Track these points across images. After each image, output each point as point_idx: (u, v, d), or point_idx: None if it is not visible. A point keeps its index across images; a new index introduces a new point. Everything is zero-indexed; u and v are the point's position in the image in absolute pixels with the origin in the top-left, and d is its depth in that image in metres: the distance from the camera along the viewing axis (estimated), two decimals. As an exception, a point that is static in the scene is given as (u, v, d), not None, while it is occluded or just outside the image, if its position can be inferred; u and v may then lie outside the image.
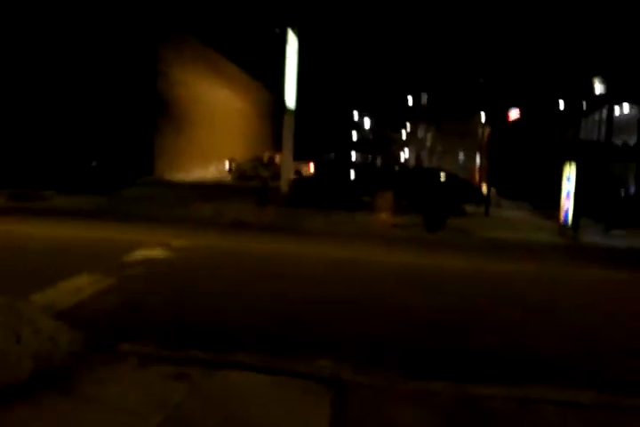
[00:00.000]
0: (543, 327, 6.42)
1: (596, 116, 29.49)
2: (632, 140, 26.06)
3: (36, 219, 13.39)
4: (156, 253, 9.40)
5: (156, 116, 26.03)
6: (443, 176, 23.14)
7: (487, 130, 31.67)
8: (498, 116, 30.13)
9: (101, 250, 9.57)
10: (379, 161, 60.18)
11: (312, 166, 30.98)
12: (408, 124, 73.14)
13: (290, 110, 22.65)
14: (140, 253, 9.17)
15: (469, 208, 20.52)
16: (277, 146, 27.37)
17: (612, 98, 23.84)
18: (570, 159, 17.24)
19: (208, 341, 5.11)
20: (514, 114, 31.64)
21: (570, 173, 16.74)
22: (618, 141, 26.03)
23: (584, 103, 27.48)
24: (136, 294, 6.74)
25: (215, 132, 35.99)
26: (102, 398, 3.75)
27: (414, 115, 68.55)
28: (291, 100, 22.69)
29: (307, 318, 6.14)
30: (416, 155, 68.32)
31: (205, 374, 4.24)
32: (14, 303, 4.75)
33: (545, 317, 6.93)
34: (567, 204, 16.65)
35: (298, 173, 28.71)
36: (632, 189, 22.94)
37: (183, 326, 5.61)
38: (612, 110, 21.84)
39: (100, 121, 23.89)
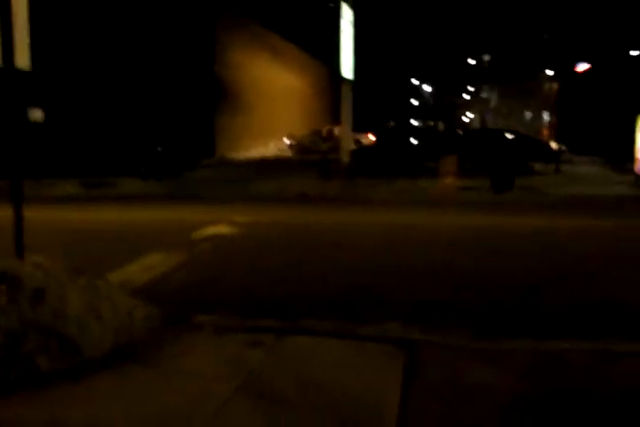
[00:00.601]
0: (622, 281, 6.18)
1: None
2: None
3: (108, 204, 13.88)
4: (224, 229, 9.59)
5: (216, 98, 26.38)
6: (509, 136, 22.46)
7: (555, 86, 30.41)
8: (565, 71, 28.86)
9: (171, 230, 9.84)
10: (441, 126, 59.01)
11: (372, 136, 30.70)
12: (470, 87, 71.19)
13: (347, 81, 22.42)
14: (208, 231, 9.37)
15: (538, 166, 19.87)
16: (336, 119, 27.19)
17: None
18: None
19: (279, 310, 5.19)
20: (582, 66, 30.23)
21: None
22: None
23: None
24: (206, 270, 6.91)
25: (273, 109, 36.16)
26: (181, 367, 3.88)
27: (476, 77, 66.59)
28: (347, 71, 22.43)
29: (375, 285, 6.14)
30: (480, 117, 66.57)
31: (278, 340, 4.31)
32: (92, 282, 4.94)
33: (622, 270, 6.66)
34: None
35: (358, 143, 28.52)
36: None
37: (254, 297, 5.72)
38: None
39: (162, 106, 24.42)
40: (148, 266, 6.97)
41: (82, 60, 23.98)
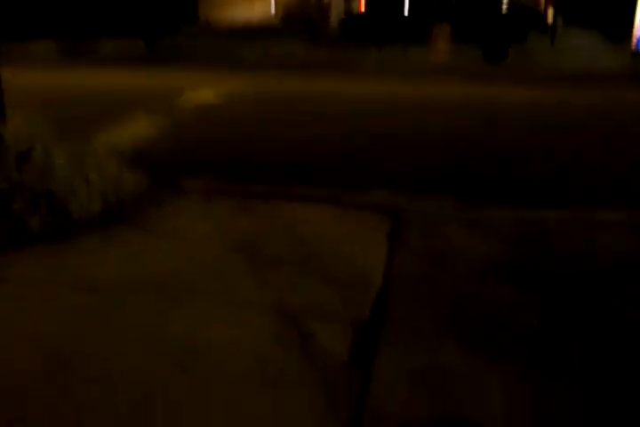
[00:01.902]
0: (606, 152, 6.24)
1: None
2: None
3: (87, 68, 13.34)
4: (209, 96, 9.35)
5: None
6: (504, 2, 21.39)
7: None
8: None
9: (155, 95, 9.58)
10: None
11: (362, 2, 29.10)
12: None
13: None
14: (193, 96, 9.15)
15: (534, 37, 19.16)
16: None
17: None
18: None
19: (267, 176, 5.21)
20: None
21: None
22: None
23: None
24: (192, 135, 6.84)
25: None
26: (169, 229, 3.95)
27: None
28: None
29: (362, 154, 6.14)
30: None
31: (267, 205, 4.37)
32: (78, 148, 4.88)
33: (607, 142, 6.70)
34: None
35: (348, 10, 27.06)
36: None
37: (241, 163, 5.72)
38: None
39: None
40: (134, 132, 6.86)
41: None
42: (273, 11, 33.84)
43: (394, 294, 3.12)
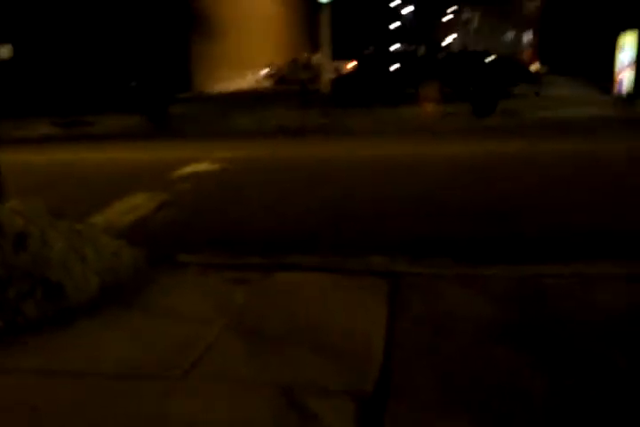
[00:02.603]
0: (598, 206, 6.26)
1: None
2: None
3: (83, 144, 13.62)
4: (203, 166, 9.49)
5: (189, 28, 25.44)
6: (489, 58, 22.04)
7: (536, 4, 29.59)
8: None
9: (149, 169, 9.72)
10: (422, 50, 57.66)
11: (353, 64, 29.99)
12: (451, 8, 69.07)
13: (325, 6, 21.68)
14: (188, 169, 9.28)
15: (520, 89, 19.63)
16: (315, 46, 26.47)
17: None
18: (628, 27, 16.06)
19: (264, 247, 5.22)
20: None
21: (626, 43, 15.65)
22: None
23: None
24: (189, 208, 6.89)
25: (250, 38, 34.98)
26: (167, 307, 3.92)
27: (457, -3, 64.47)
28: (324, -6, 21.64)
29: (356, 219, 6.17)
30: (461, 39, 65.04)
31: (263, 277, 4.36)
32: (74, 226, 4.91)
33: (596, 195, 6.73)
34: (622, 75, 15.71)
35: (338, 72, 27.86)
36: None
37: (238, 235, 5.74)
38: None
39: (134, 38, 23.52)
40: (130, 207, 6.92)
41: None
42: (264, 77, 34.84)
43: (397, 365, 3.07)
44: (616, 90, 16.00)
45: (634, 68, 15.38)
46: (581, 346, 3.14)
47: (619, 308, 3.58)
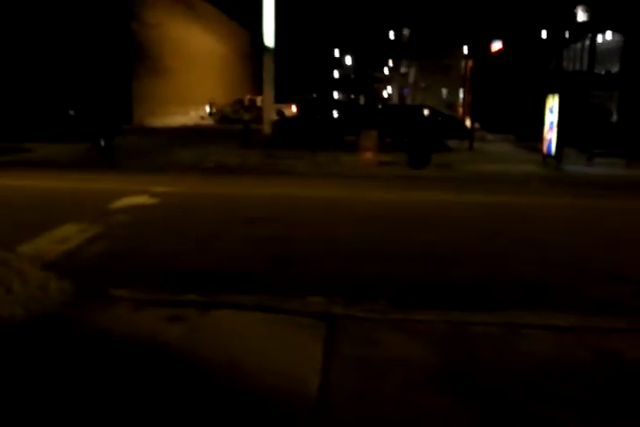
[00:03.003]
0: (527, 256, 6.53)
1: (579, 46, 29.04)
2: (615, 69, 25.80)
3: (17, 171, 13.19)
4: (140, 200, 9.36)
5: (133, 60, 25.36)
6: (426, 112, 22.94)
7: (470, 63, 31.17)
8: (480, 49, 29.58)
9: (85, 200, 9.50)
10: (362, 100, 59.37)
11: (294, 107, 30.54)
12: (390, 61, 71.77)
13: (269, 49, 22.13)
14: (124, 201, 9.12)
15: (454, 143, 20.46)
16: (259, 88, 26.84)
17: (594, 26, 23.39)
18: (553, 90, 17.10)
19: (198, 284, 5.15)
20: (496, 46, 31.07)
21: (552, 105, 16.64)
22: (601, 70, 25.75)
23: (567, 32, 26.99)
24: (122, 241, 6.75)
25: (194, 75, 35.19)
26: (96, 342, 3.79)
27: (396, 51, 67.10)
28: (269, 39, 22.12)
29: (295, 259, 6.19)
30: (399, 92, 67.43)
31: (198, 314, 4.29)
32: (2, 256, 4.74)
33: (527, 246, 7.03)
34: (550, 135, 16.64)
35: (280, 114, 28.32)
36: (614, 118, 22.90)
37: (172, 270, 5.65)
38: (594, 39, 21.47)
39: (75, 67, 23.21)
40: (62, 238, 6.72)
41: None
42: (208, 115, 34.91)
43: (329, 409, 3.06)
44: (545, 149, 16.88)
45: (556, 129, 16.31)
46: (509, 396, 3.22)
47: (543, 358, 3.71)
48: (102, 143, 15.53)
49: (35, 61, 22.83)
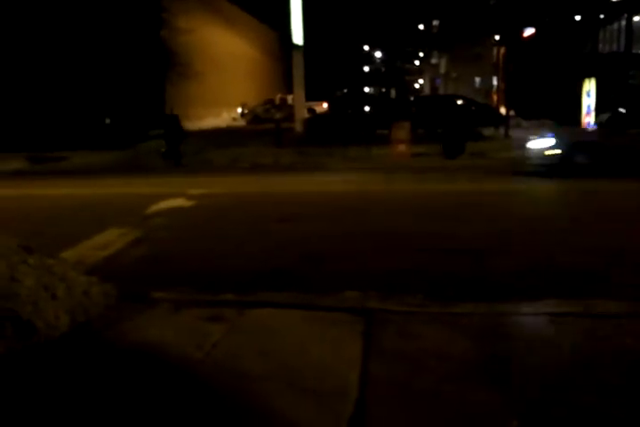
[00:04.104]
0: (567, 243, 6.40)
1: (615, 26, 28.29)
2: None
3: (57, 180, 13.53)
4: (177, 202, 9.50)
5: (165, 66, 25.68)
6: (459, 102, 22.67)
7: (502, 51, 30.65)
8: (512, 36, 29.06)
9: (124, 205, 9.69)
10: (393, 93, 59.00)
11: (325, 104, 30.54)
12: (421, 53, 71.10)
13: (298, 47, 22.15)
14: (163, 205, 9.27)
15: (489, 131, 20.18)
16: (289, 88, 26.91)
17: (630, 6, 22.76)
18: (589, 74, 16.73)
19: (235, 283, 5.21)
20: (528, 32, 30.51)
21: (589, 88, 16.28)
22: (639, 50, 25.05)
23: (601, 14, 26.33)
24: (161, 244, 6.86)
25: (225, 78, 35.46)
26: (140, 345, 3.87)
27: (426, 43, 66.45)
28: (298, 37, 22.15)
29: (330, 255, 6.20)
30: (431, 83, 66.78)
31: (238, 314, 4.34)
32: (46, 262, 4.86)
33: (567, 233, 6.89)
34: (588, 119, 16.28)
35: (312, 111, 28.36)
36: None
37: (209, 270, 5.72)
38: (631, 19, 20.90)
39: (109, 76, 23.61)
40: (103, 243, 6.87)
41: (23, 27, 22.88)
42: (240, 116, 35.18)
43: (371, 403, 3.06)
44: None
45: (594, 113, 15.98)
46: (553, 386, 3.17)
47: (582, 346, 3.64)
48: (168, 148, 15.60)
49: (69, 71, 23.30)
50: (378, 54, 70.66)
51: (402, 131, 16.27)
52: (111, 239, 7.06)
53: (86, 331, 4.05)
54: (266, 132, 21.59)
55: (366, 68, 67.08)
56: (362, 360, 3.52)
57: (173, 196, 9.98)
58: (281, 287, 5.01)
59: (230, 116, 35.70)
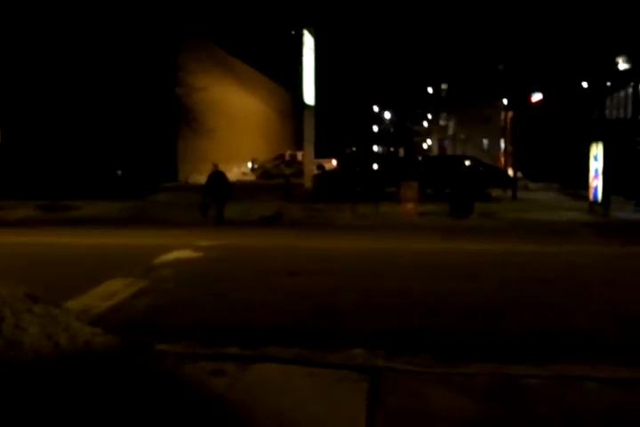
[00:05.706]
0: (574, 306, 6.32)
1: (622, 94, 28.91)
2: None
3: (66, 228, 13.60)
4: (186, 254, 9.50)
5: (177, 121, 26.27)
6: (467, 163, 22.95)
7: (510, 114, 31.29)
8: (520, 100, 29.74)
9: (132, 255, 9.68)
10: (401, 152, 59.92)
11: (334, 161, 30.96)
12: (429, 115, 72.61)
13: (309, 107, 22.67)
14: (170, 256, 9.27)
15: (497, 193, 20.31)
16: (299, 144, 27.40)
17: (637, 74, 23.31)
18: (596, 139, 16.97)
19: (241, 337, 5.14)
20: (536, 97, 31.23)
21: (597, 153, 16.47)
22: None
23: (608, 82, 26.98)
24: (167, 295, 6.82)
25: (236, 133, 36.18)
26: (142, 395, 3.79)
27: (435, 105, 68.03)
28: (309, 97, 22.69)
29: (336, 312, 6.14)
30: (439, 144, 67.86)
31: (241, 368, 4.26)
32: (50, 311, 4.83)
33: (574, 296, 6.81)
34: (596, 182, 16.39)
35: (321, 168, 28.74)
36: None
37: (215, 323, 5.66)
38: (637, 87, 21.39)
39: (123, 129, 24.14)
40: (109, 293, 6.84)
41: (39, 79, 23.58)
42: (250, 170, 35.67)
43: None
44: (591, 196, 16.61)
45: (602, 177, 16.09)
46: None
47: (593, 411, 3.54)
48: (209, 205, 14.88)
49: (85, 123, 23.85)
50: (387, 115, 72.13)
51: (410, 190, 16.41)
52: (117, 289, 7.03)
53: (87, 382, 3.96)
54: (275, 187, 21.80)
55: (375, 128, 68.38)
56: (365, 420, 3.42)
57: (181, 247, 9.99)
58: (288, 342, 4.93)
59: (240, 170, 36.17)
